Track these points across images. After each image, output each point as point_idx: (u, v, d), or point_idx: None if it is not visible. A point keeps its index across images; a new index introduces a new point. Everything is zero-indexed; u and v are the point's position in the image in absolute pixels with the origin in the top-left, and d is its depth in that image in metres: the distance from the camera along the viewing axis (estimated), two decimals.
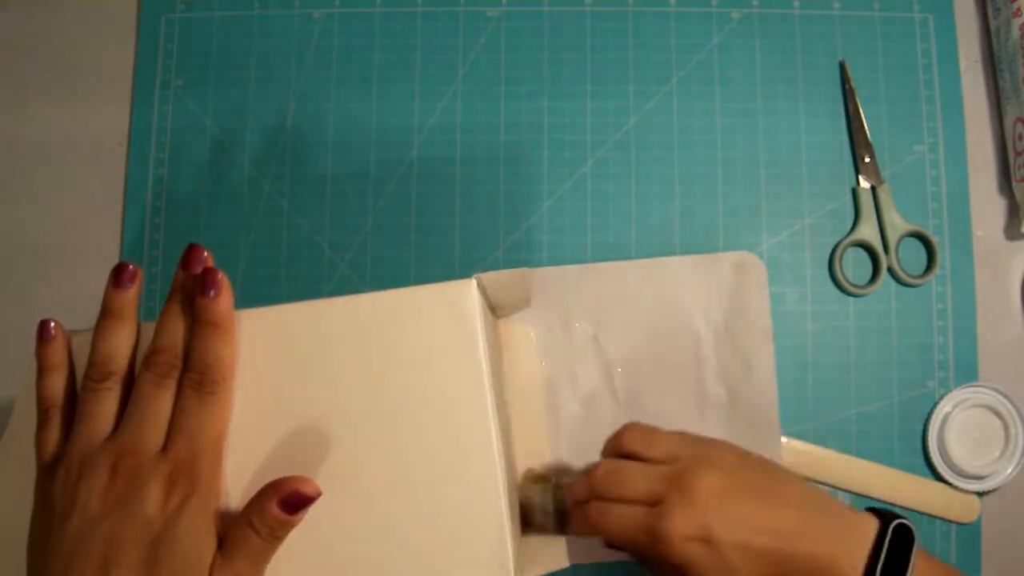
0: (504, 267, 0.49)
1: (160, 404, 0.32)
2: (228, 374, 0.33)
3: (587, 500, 0.38)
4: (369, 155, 0.51)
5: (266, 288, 0.50)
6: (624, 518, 0.36)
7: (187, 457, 0.31)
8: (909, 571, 0.33)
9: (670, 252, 0.50)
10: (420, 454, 0.34)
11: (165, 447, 0.31)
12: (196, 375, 0.32)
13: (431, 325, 0.34)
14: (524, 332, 0.46)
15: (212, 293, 0.32)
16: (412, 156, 0.51)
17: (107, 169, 0.51)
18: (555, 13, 0.52)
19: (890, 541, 0.34)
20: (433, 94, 0.51)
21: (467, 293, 0.35)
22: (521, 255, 0.50)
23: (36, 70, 0.53)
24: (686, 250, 0.50)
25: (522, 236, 0.50)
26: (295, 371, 0.34)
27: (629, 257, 0.49)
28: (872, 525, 0.35)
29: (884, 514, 0.35)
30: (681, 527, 0.34)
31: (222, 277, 0.33)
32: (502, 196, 0.50)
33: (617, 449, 0.39)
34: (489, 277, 0.37)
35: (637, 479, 0.37)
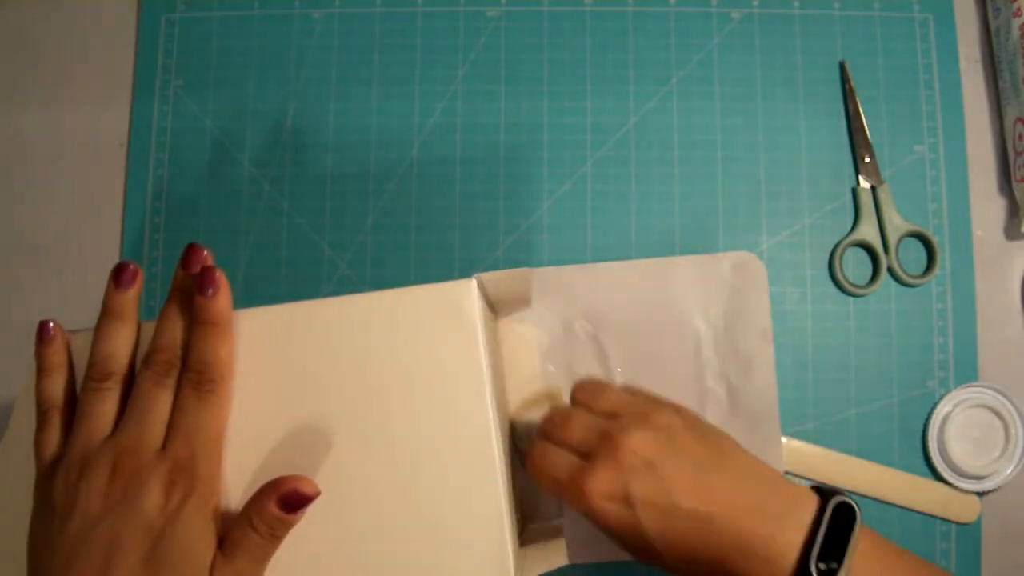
0: (504, 267, 0.49)
1: (159, 403, 0.32)
2: (226, 373, 0.33)
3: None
4: (369, 155, 0.51)
5: (266, 288, 0.50)
6: (557, 465, 0.35)
7: (186, 456, 0.31)
8: (848, 552, 0.31)
9: (670, 252, 0.50)
10: (420, 454, 0.34)
11: (164, 446, 0.31)
12: (194, 374, 0.32)
13: (431, 325, 0.34)
14: (524, 332, 0.46)
15: (210, 292, 0.32)
16: (412, 156, 0.51)
17: (107, 169, 0.51)
18: (555, 13, 0.52)
19: (830, 519, 0.32)
20: (433, 94, 0.51)
21: (467, 293, 0.35)
22: (521, 255, 0.50)
23: (36, 70, 0.53)
24: (686, 250, 0.50)
25: (522, 236, 0.50)
26: (295, 371, 0.34)
27: (629, 257, 0.49)
28: (813, 503, 0.32)
29: (825, 492, 0.33)
30: (600, 484, 0.33)
31: (220, 276, 0.33)
32: (502, 196, 0.50)
33: (571, 398, 0.39)
34: (489, 277, 0.37)
35: (574, 427, 0.35)
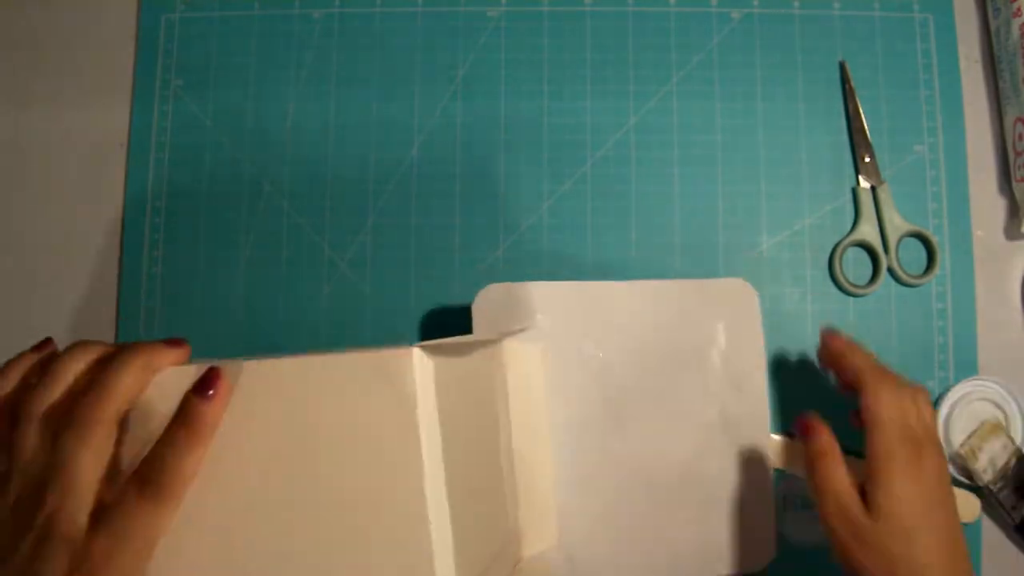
0: (504, 267, 0.49)
1: (87, 472, 0.29)
2: (186, 484, 0.30)
3: None
4: (369, 155, 0.51)
5: (266, 289, 0.50)
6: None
7: (103, 557, 0.28)
8: None
9: (670, 252, 0.50)
10: (351, 537, 0.30)
11: (90, 528, 0.28)
12: (149, 472, 0.29)
13: (366, 398, 0.31)
14: (528, 352, 0.45)
15: (210, 393, 0.29)
16: (412, 156, 0.51)
17: (107, 169, 0.51)
18: (555, 13, 0.52)
19: None
20: (433, 94, 0.51)
21: (405, 365, 0.30)
22: (521, 255, 0.50)
23: (36, 70, 0.53)
24: (686, 250, 0.50)
25: (522, 236, 0.50)
26: (224, 430, 0.31)
27: (628, 257, 0.49)
28: None
29: None
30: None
31: (226, 381, 0.30)
32: (502, 196, 0.50)
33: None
34: (442, 343, 0.33)
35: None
